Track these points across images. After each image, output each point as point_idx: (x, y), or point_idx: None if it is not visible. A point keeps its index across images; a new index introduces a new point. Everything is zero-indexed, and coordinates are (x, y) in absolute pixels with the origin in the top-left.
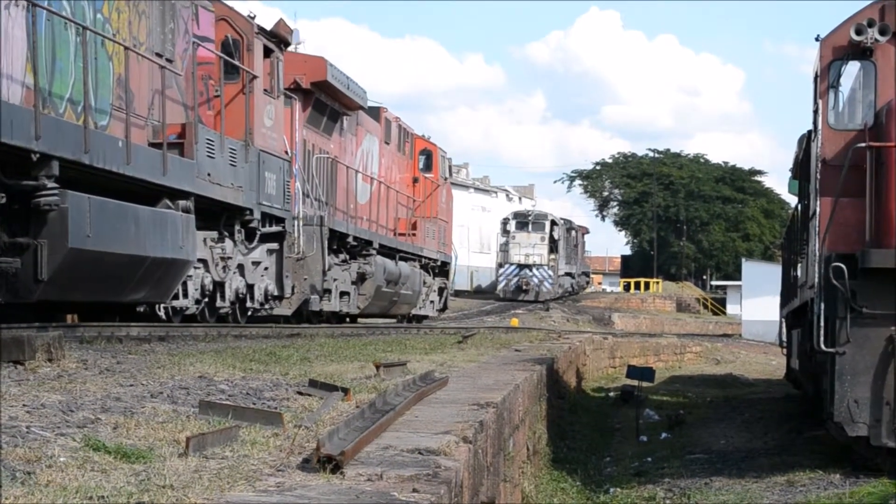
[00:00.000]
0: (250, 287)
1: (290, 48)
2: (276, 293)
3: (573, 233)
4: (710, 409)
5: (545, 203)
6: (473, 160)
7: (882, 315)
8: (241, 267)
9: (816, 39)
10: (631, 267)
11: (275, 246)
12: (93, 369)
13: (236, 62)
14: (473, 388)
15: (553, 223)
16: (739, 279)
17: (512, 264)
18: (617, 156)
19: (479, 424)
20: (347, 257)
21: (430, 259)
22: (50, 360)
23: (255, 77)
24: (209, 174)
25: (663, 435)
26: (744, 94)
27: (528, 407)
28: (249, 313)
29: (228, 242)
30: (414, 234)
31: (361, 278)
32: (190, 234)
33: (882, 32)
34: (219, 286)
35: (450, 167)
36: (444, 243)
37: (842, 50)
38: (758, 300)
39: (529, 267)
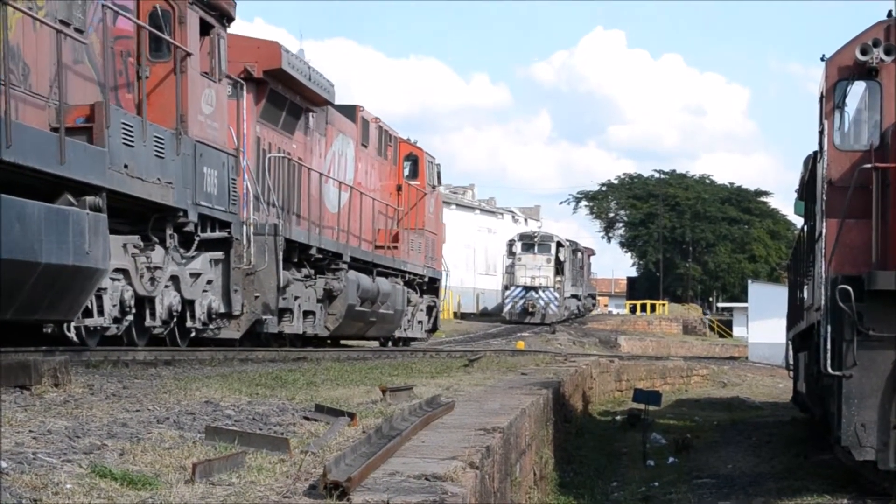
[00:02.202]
0: (190, 303)
1: None
2: (222, 310)
3: (579, 254)
4: (717, 432)
5: (551, 224)
6: (479, 181)
7: (889, 338)
8: (175, 279)
9: (822, 59)
10: (637, 289)
11: (220, 255)
12: (99, 394)
13: (165, 36)
14: (480, 413)
15: (559, 245)
16: (745, 301)
17: (518, 286)
18: (623, 177)
19: (485, 450)
20: (312, 272)
21: (415, 274)
22: (56, 385)
23: (188, 54)
24: (126, 166)
25: (670, 459)
26: (749, 114)
27: (534, 431)
28: (192, 335)
29: (158, 250)
30: (396, 247)
31: (329, 296)
32: (100, 236)
33: (887, 52)
34: (149, 302)
35: (438, 174)
36: (433, 257)
37: (847, 70)
38: (764, 322)
39: (535, 289)
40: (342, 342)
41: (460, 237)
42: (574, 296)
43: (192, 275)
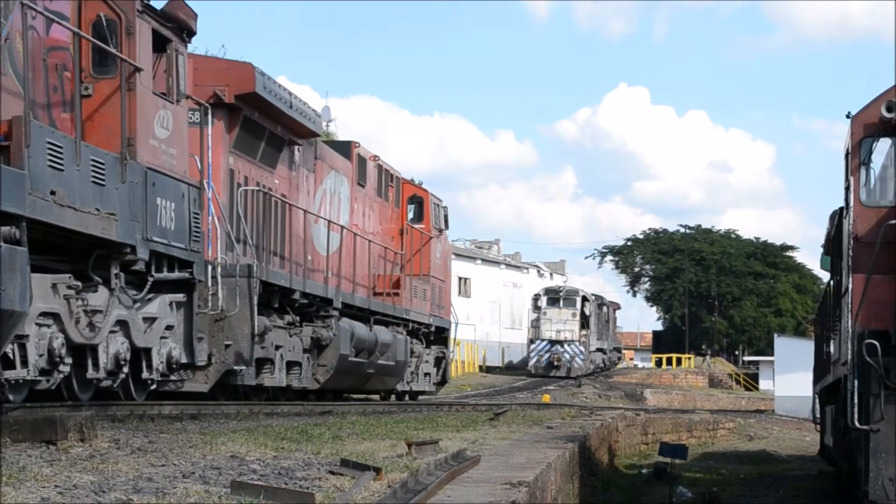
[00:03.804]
0: (146, 352)
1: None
2: (185, 360)
3: (604, 308)
4: (744, 486)
5: (576, 279)
6: (505, 237)
7: None
8: (123, 324)
9: (847, 117)
10: (663, 342)
11: (181, 297)
12: (125, 449)
13: (110, 49)
14: (506, 467)
15: (584, 299)
16: (772, 355)
17: (543, 340)
18: (648, 231)
19: None
20: (297, 319)
21: (419, 324)
22: (82, 440)
23: (137, 69)
24: (53, 192)
25: None
26: (774, 170)
27: (560, 485)
28: (153, 387)
29: (102, 291)
30: (397, 294)
31: (318, 345)
32: (17, 274)
33: None
34: (90, 350)
35: (446, 217)
36: (440, 305)
37: (873, 127)
38: (790, 376)
39: (561, 343)
40: (344, 396)
41: (486, 291)
42: (599, 349)
43: (145, 319)
